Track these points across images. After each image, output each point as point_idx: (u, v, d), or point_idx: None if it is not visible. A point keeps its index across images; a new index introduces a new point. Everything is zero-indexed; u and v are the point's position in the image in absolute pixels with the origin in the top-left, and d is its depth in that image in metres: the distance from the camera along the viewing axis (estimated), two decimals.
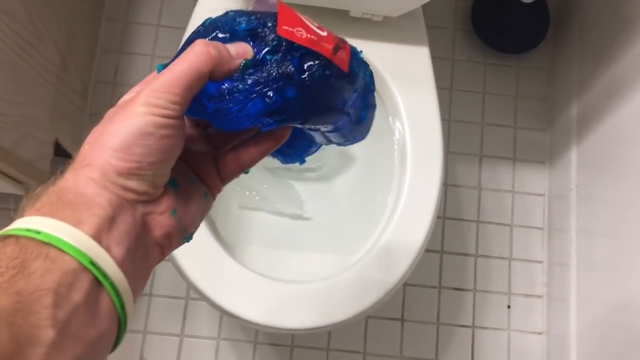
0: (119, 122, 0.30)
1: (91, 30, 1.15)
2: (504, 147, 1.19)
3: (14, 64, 0.83)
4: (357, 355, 1.08)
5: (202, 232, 0.73)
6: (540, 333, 1.11)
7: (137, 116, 0.30)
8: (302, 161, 0.44)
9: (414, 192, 0.77)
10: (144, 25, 1.21)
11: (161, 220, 0.32)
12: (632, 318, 0.85)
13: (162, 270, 1.09)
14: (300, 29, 0.35)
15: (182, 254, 0.72)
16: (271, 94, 0.34)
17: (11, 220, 0.29)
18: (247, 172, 0.39)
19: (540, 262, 1.14)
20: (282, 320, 0.71)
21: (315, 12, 0.80)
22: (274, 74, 0.34)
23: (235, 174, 0.39)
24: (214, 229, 0.81)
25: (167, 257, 0.36)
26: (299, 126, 0.37)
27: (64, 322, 0.25)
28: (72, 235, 0.27)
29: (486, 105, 1.21)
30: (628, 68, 0.92)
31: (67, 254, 0.27)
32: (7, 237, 0.27)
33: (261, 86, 0.34)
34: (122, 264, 0.29)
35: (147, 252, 0.32)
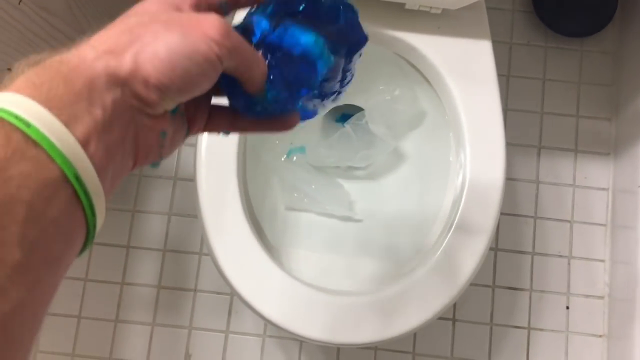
0: (177, 33, 0.28)
1: None
2: (565, 138, 1.12)
3: None
4: (406, 355, 1.04)
5: (249, 239, 0.70)
6: (600, 336, 1.05)
7: (200, 42, 0.28)
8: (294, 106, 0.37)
9: (475, 191, 0.71)
10: None
11: (149, 137, 0.30)
12: None
13: (206, 266, 1.07)
14: None
15: (227, 262, 0.69)
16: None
17: None
18: (227, 134, 0.37)
19: (602, 260, 1.08)
20: (338, 335, 0.68)
21: (370, 5, 0.75)
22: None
23: (220, 129, 0.36)
24: (260, 233, 0.78)
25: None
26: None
27: (33, 242, 0.23)
28: (62, 139, 0.24)
29: (546, 92, 1.13)
30: None
31: (53, 161, 0.24)
32: None
33: None
34: (103, 178, 0.26)
35: (124, 165, 0.29)
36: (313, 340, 0.68)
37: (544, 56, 1.15)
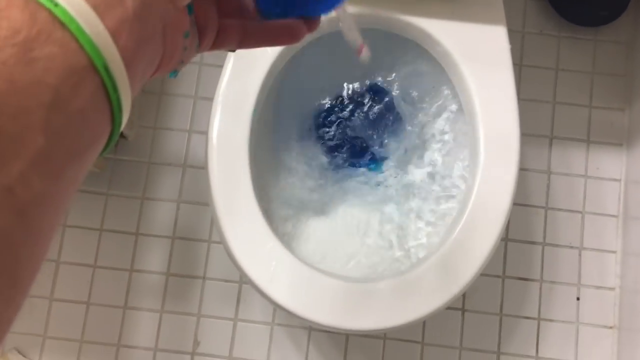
0: None
1: None
2: (577, 128, 1.11)
3: None
4: (415, 344, 1.04)
5: (261, 225, 0.70)
6: (611, 327, 1.04)
7: None
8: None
9: (488, 179, 0.71)
10: None
11: (175, 36, 0.28)
12: None
13: (215, 253, 1.07)
14: None
15: (238, 247, 0.69)
16: None
17: None
18: (233, 50, 0.35)
19: (614, 252, 1.07)
20: (347, 321, 0.67)
21: None
22: None
23: (229, 46, 0.34)
24: (272, 218, 0.77)
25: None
26: None
27: (57, 130, 0.21)
28: (92, 25, 0.22)
29: (559, 82, 1.12)
30: None
31: (81, 47, 0.22)
32: None
33: None
34: (132, 73, 0.25)
35: (152, 63, 0.28)
36: (322, 326, 0.68)
37: (557, 45, 1.13)
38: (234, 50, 0.35)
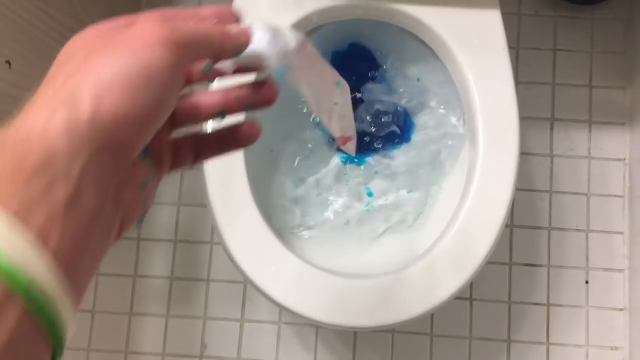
0: (122, 54, 0.23)
1: (133, 6, 1.10)
2: (579, 109, 1.09)
3: (54, 52, 0.79)
4: (424, 336, 1.03)
5: (259, 226, 0.68)
6: (621, 309, 1.03)
7: (149, 53, 0.23)
8: None
9: (488, 167, 0.69)
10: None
11: (132, 192, 0.25)
12: None
13: (218, 255, 1.06)
14: None
15: (239, 250, 0.68)
16: None
17: None
18: (192, 166, 0.33)
19: (621, 233, 1.05)
20: (354, 319, 0.66)
21: None
22: None
23: (187, 163, 0.32)
24: (271, 217, 0.76)
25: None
26: None
27: None
28: (10, 243, 0.19)
29: (557, 63, 1.10)
30: None
31: None
32: None
33: None
34: (73, 272, 0.21)
35: (106, 238, 0.24)
36: (328, 325, 0.67)
37: (553, 26, 1.11)
38: (190, 168, 0.33)
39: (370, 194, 0.81)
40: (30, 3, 0.74)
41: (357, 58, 0.84)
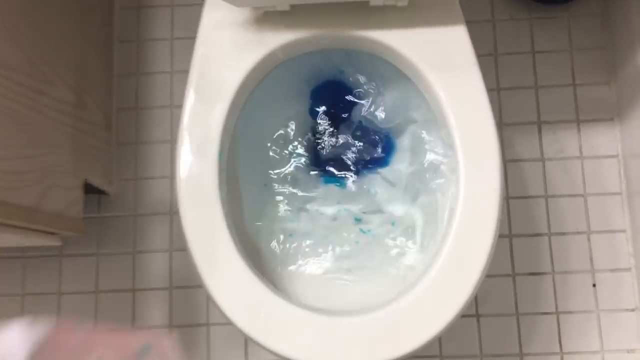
0: None
1: (103, 56, 1.09)
2: (565, 109, 1.07)
3: (23, 117, 0.78)
4: (434, 359, 1.00)
5: (244, 274, 0.67)
6: (633, 309, 1.00)
7: None
8: None
9: (471, 181, 0.67)
10: (158, 41, 1.14)
11: None
12: None
13: None
14: None
15: (228, 303, 0.66)
16: None
17: None
18: None
19: (624, 231, 1.03)
20: (352, 358, 0.64)
21: (332, 8, 0.71)
22: None
23: None
24: (257, 260, 0.74)
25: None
26: None
27: None
28: None
29: (538, 65, 1.09)
30: None
31: None
32: None
33: None
34: None
35: None
36: None
37: (529, 28, 1.10)
38: None
39: (363, 231, 0.79)
40: None
41: (334, 92, 0.83)
